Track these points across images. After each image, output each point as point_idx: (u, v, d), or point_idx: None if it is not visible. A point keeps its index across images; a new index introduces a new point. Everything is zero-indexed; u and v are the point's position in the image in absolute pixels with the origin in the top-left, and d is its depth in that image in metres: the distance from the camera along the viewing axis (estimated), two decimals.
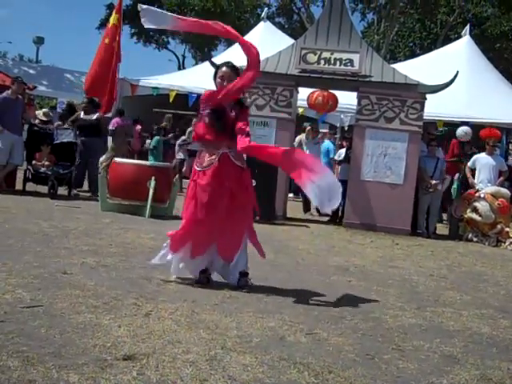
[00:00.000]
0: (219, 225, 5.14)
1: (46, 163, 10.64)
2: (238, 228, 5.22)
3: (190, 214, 5.13)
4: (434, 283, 6.43)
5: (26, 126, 11.30)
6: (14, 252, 5.65)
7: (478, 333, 4.57)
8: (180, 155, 14.94)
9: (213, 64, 10.95)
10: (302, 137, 15.56)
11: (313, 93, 11.79)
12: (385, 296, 5.52)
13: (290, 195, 14.45)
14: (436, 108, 13.34)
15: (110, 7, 35.57)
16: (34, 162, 10.67)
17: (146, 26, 5.26)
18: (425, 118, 10.87)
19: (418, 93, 10.46)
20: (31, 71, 21.38)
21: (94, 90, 15.42)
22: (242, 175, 5.20)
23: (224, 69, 5.14)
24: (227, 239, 5.19)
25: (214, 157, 5.10)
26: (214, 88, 5.24)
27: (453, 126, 15.00)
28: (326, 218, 11.72)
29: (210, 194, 5.06)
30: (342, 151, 12.41)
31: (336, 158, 12.72)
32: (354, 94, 11.02)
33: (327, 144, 15.38)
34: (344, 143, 13.11)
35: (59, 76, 22.01)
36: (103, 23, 37.42)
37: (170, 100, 17.24)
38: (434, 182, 10.73)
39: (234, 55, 16.78)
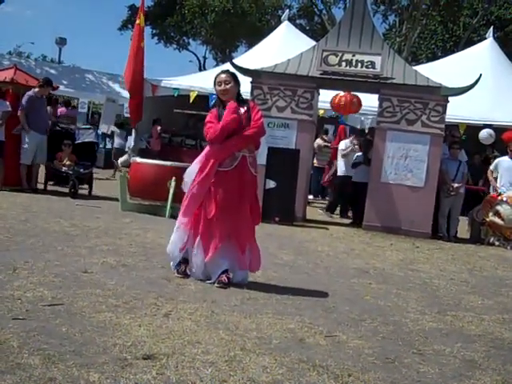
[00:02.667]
0: (232, 225, 5.22)
1: (68, 163, 10.72)
2: (250, 233, 5.35)
3: (204, 211, 5.22)
4: (455, 287, 6.37)
5: None
6: (35, 250, 5.70)
7: (500, 338, 4.52)
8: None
9: (234, 66, 10.98)
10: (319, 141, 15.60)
11: (341, 95, 11.77)
12: (405, 299, 5.48)
13: (310, 197, 14.42)
14: (458, 111, 13.24)
15: (132, 8, 35.83)
16: (55, 161, 10.76)
17: None
18: (447, 120, 10.78)
19: (440, 95, 10.38)
20: (53, 71, 21.56)
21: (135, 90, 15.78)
22: (253, 182, 5.41)
23: (222, 75, 5.40)
24: (242, 244, 5.27)
25: (234, 159, 5.21)
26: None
27: (475, 128, 14.89)
28: (348, 221, 11.67)
29: (226, 194, 5.17)
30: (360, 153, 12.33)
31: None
32: (376, 96, 10.97)
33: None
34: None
35: (81, 76, 22.20)
36: (125, 24, 37.77)
37: (191, 101, 17.30)
38: (455, 185, 10.62)
39: (255, 57, 16.86)
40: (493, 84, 15.30)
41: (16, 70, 10.97)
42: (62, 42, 41.92)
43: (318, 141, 15.81)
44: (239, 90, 5.43)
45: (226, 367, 3.27)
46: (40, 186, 10.96)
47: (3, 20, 79.68)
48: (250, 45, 28.19)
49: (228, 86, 5.31)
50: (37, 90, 10.51)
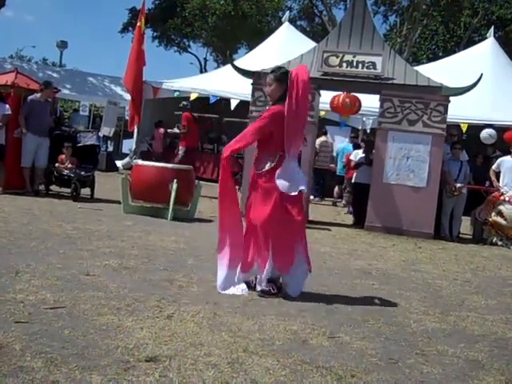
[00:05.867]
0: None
1: (69, 166, 10.72)
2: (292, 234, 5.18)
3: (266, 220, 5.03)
4: (458, 287, 6.36)
5: None
6: (37, 254, 5.69)
7: (503, 338, 4.50)
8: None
9: (235, 67, 10.99)
10: (323, 139, 15.66)
11: (338, 95, 11.76)
12: (408, 300, 5.47)
13: (311, 197, 14.42)
14: (460, 110, 13.23)
15: (133, 11, 35.88)
16: (57, 164, 10.76)
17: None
18: (448, 120, 10.76)
19: (441, 95, 10.37)
20: (55, 75, 21.59)
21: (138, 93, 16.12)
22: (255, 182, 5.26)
23: (268, 76, 5.28)
24: (282, 248, 5.10)
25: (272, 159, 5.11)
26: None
27: (477, 128, 14.88)
28: (351, 221, 11.64)
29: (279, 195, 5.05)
30: (359, 152, 12.31)
31: (352, 158, 12.61)
32: (377, 97, 10.96)
33: (344, 146, 15.47)
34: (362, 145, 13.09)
35: (82, 79, 22.23)
36: (126, 27, 37.82)
37: (191, 99, 17.32)
38: (458, 185, 10.61)
39: (256, 58, 16.87)
40: (494, 84, 15.29)
41: (17, 73, 10.98)
42: (63, 45, 42.02)
43: (320, 139, 15.83)
44: (285, 90, 5.10)
45: (229, 369, 3.27)
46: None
47: (4, 24, 79.93)
48: (251, 47, 28.18)
49: (269, 89, 5.20)
50: (39, 94, 10.54)
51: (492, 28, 19.34)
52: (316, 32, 35.16)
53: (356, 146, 14.52)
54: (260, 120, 5.21)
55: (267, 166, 5.08)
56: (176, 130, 15.37)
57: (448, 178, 10.64)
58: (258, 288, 5.09)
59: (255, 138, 5.15)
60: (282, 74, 5.20)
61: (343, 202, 15.39)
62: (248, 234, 5.18)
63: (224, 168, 5.15)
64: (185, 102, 16.33)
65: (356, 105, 11.94)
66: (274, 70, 5.36)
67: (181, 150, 15.29)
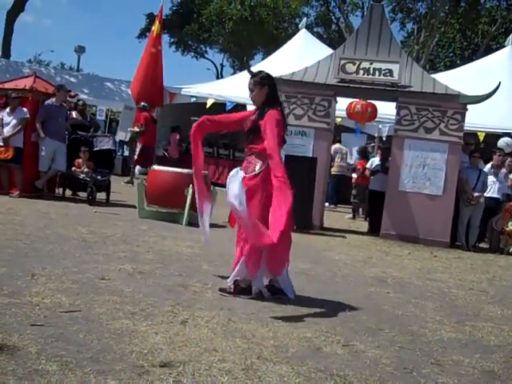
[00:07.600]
0: None
1: (85, 170, 10.77)
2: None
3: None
4: (474, 297, 6.31)
5: None
6: (53, 257, 5.73)
7: None
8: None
9: (252, 73, 10.96)
10: (337, 145, 15.64)
11: (352, 103, 11.74)
12: (423, 309, 5.43)
13: (326, 205, 14.37)
14: (477, 119, 13.14)
15: (150, 17, 36.10)
16: (73, 168, 10.82)
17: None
18: (466, 128, 10.71)
19: (458, 103, 10.31)
20: (72, 79, 21.73)
21: (145, 96, 16.33)
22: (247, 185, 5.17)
23: (249, 82, 5.32)
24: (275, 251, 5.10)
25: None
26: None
27: (494, 137, 14.77)
28: (366, 229, 11.59)
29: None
30: (375, 160, 12.26)
31: (368, 166, 12.56)
32: (393, 104, 10.92)
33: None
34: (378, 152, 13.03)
35: (99, 84, 22.34)
36: (143, 32, 38.03)
37: (207, 106, 17.37)
38: (476, 194, 10.52)
39: (273, 64, 16.88)
40: None
41: (35, 77, 11.08)
42: (80, 49, 42.24)
43: (335, 146, 15.79)
44: (270, 92, 5.23)
45: (243, 375, 3.26)
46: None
47: (23, 29, 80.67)
48: (267, 53, 28.23)
49: (251, 95, 5.27)
50: (54, 99, 10.62)
51: (510, 36, 19.16)
52: (333, 39, 35.15)
53: (361, 153, 14.54)
54: (278, 128, 5.08)
55: (257, 169, 5.09)
56: (136, 129, 15.92)
57: (466, 187, 10.56)
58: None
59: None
60: (261, 78, 5.29)
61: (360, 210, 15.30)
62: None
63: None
64: (144, 104, 16.54)
65: (367, 111, 11.80)
66: (254, 75, 5.41)
67: (138, 146, 15.89)
